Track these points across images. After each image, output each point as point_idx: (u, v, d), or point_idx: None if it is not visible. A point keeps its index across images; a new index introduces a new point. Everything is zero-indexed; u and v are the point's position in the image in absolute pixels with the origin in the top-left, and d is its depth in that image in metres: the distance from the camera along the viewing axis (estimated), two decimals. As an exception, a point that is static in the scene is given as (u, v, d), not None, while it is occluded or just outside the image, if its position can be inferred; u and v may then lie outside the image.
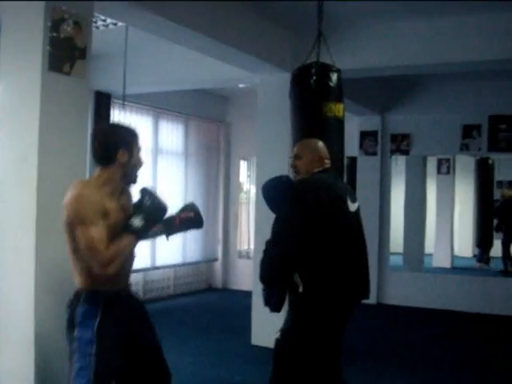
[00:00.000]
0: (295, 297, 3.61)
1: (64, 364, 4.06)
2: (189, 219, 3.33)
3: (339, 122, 4.92)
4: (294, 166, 3.87)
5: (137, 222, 2.99)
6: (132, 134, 3.17)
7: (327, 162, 3.84)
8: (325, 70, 4.90)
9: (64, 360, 3.97)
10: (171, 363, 5.70)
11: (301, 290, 3.53)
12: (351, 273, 3.65)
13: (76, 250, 2.96)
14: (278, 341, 3.67)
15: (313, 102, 4.85)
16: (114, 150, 3.04)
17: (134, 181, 3.18)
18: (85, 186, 3.04)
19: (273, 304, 3.71)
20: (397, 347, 7.32)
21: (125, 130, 3.20)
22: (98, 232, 2.89)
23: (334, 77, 4.91)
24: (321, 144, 3.91)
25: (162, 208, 3.11)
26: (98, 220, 2.91)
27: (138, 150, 3.16)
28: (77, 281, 3.04)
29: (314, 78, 4.86)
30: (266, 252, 3.56)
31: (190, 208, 3.37)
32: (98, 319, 2.98)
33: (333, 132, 4.75)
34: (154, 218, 3.08)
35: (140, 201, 3.08)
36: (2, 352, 4.01)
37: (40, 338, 3.89)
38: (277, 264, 3.53)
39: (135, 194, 3.20)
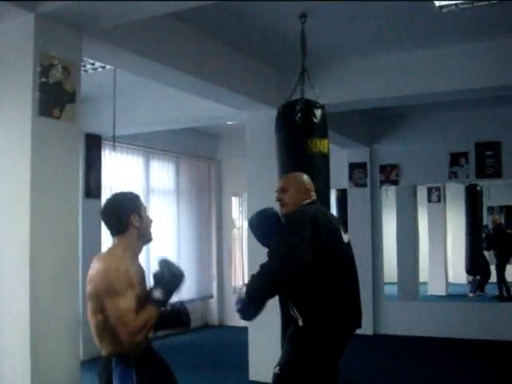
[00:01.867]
0: (294, 330, 3.60)
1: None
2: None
3: (324, 158, 4.96)
4: (279, 200, 3.86)
5: (158, 294, 3.11)
6: (135, 197, 3.32)
7: (313, 194, 3.86)
8: (309, 106, 4.95)
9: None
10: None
11: (301, 323, 3.53)
12: (348, 304, 3.67)
13: (103, 321, 3.02)
14: (276, 375, 3.61)
15: (298, 139, 4.90)
16: (126, 216, 3.19)
17: (150, 239, 3.32)
18: (110, 258, 3.14)
19: (247, 315, 3.62)
20: (395, 377, 7.31)
21: (129, 195, 3.34)
22: (127, 303, 2.98)
23: (319, 113, 4.97)
24: (305, 176, 3.93)
25: (180, 277, 3.22)
26: (126, 291, 3.00)
27: (145, 209, 3.30)
28: (105, 349, 3.10)
29: (299, 114, 4.92)
30: (259, 274, 3.47)
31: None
32: (135, 378, 3.06)
33: (318, 167, 4.78)
34: (172, 289, 3.18)
35: (160, 271, 3.19)
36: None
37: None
38: (269, 287, 3.45)
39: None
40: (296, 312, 3.55)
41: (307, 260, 3.42)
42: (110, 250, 3.26)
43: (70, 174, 4.32)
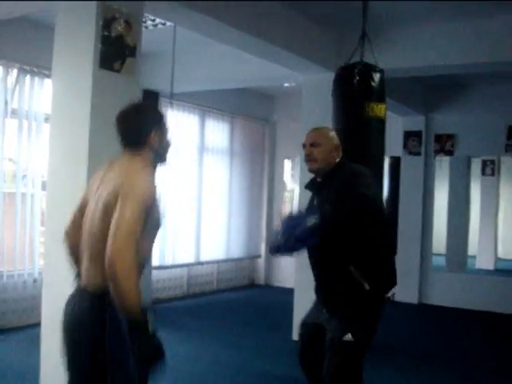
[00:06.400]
0: (360, 295, 3.51)
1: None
2: None
3: (381, 123, 4.93)
4: (308, 154, 3.67)
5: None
6: (161, 115, 3.01)
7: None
8: (368, 70, 4.94)
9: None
10: (214, 356, 5.83)
11: (367, 287, 3.46)
12: (392, 265, 3.71)
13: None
14: (350, 343, 3.51)
15: (355, 102, 4.89)
16: (147, 131, 2.88)
17: (163, 162, 3.00)
18: (143, 170, 2.82)
19: (285, 250, 3.49)
20: (436, 347, 7.30)
21: (154, 110, 3.06)
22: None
23: (377, 77, 4.95)
24: (335, 132, 3.83)
25: None
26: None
27: (167, 130, 3.00)
28: (100, 279, 2.65)
29: (357, 77, 4.90)
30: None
31: None
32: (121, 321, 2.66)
33: (374, 132, 4.77)
34: None
35: None
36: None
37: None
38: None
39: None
40: (359, 276, 3.45)
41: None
42: (132, 164, 2.85)
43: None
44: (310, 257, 3.75)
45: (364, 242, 3.43)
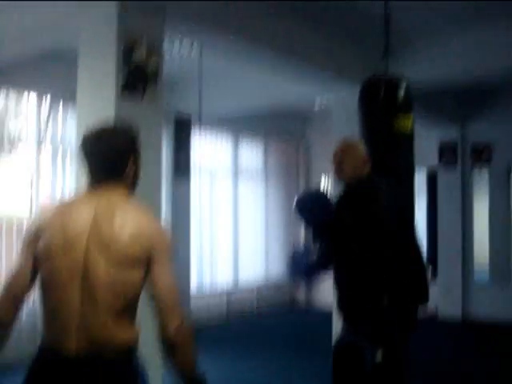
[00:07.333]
0: (380, 310, 3.52)
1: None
2: None
3: (408, 135, 4.87)
4: (338, 164, 3.72)
5: None
6: (135, 137, 2.49)
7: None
8: (393, 83, 4.89)
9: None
10: (251, 380, 5.78)
11: (386, 302, 3.49)
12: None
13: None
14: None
15: (381, 116, 4.84)
16: (126, 157, 2.40)
17: (134, 192, 2.51)
18: (146, 213, 2.41)
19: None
20: (480, 369, 6.99)
21: (130, 132, 2.49)
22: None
23: (403, 90, 4.89)
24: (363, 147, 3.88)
25: None
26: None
27: (140, 154, 2.50)
28: (126, 335, 2.29)
29: (383, 91, 4.86)
30: None
31: None
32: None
33: (402, 145, 4.70)
34: None
35: None
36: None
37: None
38: None
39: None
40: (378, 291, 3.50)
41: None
42: (123, 202, 2.39)
43: (153, 153, 4.34)
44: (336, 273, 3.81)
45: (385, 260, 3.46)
